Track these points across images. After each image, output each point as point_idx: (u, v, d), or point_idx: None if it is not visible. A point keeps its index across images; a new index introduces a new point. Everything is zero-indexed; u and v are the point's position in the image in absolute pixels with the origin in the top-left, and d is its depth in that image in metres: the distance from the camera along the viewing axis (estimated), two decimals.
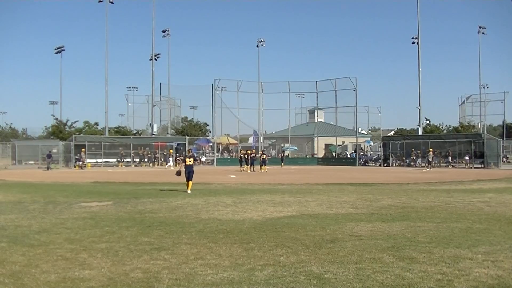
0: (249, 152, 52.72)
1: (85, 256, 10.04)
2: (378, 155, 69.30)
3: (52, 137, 72.66)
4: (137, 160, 63.65)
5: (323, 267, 8.88)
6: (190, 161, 25.48)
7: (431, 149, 55.15)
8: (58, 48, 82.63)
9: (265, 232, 12.70)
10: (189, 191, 24.44)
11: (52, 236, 12.40)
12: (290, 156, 73.75)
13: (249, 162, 50.25)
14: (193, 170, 25.48)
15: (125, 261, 9.50)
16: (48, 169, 52.32)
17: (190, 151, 28.89)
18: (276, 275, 8.41)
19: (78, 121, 76.02)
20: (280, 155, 69.20)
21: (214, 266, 9.05)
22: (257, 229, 13.21)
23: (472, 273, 8.44)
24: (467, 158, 56.87)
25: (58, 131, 70.88)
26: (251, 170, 49.21)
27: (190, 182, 25.00)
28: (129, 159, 62.63)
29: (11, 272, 8.76)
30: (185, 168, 25.38)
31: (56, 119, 75.32)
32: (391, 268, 8.76)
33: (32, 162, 54.35)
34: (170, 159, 61.56)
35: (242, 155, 52.61)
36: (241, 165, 51.03)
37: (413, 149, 60.65)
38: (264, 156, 51.90)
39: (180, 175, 25.78)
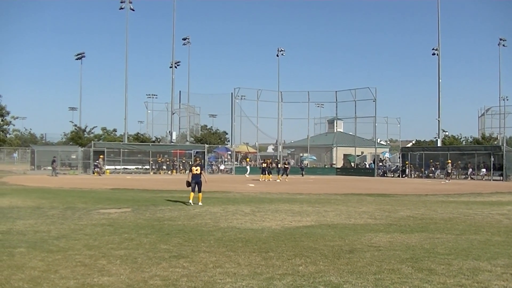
0: (268, 161, 52.80)
1: (104, 262, 10.08)
2: (397, 166, 69.00)
3: (71, 143, 73.06)
4: (155, 167, 63.77)
5: (342, 278, 8.86)
6: (197, 170, 22.79)
7: (449, 161, 54.71)
8: (78, 55, 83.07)
9: (283, 242, 12.69)
10: (200, 203, 22.26)
11: (71, 242, 12.47)
12: (308, 166, 73.53)
13: (267, 171, 50.21)
14: (201, 180, 22.82)
15: (144, 268, 9.53)
16: (53, 175, 52.33)
17: (198, 158, 25.78)
18: (295, 284, 8.41)
19: (96, 126, 76.52)
20: (299, 164, 69.04)
21: (233, 275, 9.06)
22: (275, 238, 13.21)
23: (491, 286, 8.39)
24: (484, 170, 56.47)
25: (77, 137, 71.24)
26: (268, 179, 49.18)
27: (200, 194, 22.69)
28: (147, 167, 62.75)
29: (30, 277, 8.82)
30: (192, 178, 22.70)
31: (75, 125, 75.74)
32: (410, 280, 8.72)
33: (51, 168, 54.52)
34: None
35: (265, 164, 52.36)
36: (263, 174, 50.64)
37: (431, 160, 60.34)
38: (286, 165, 52.19)
39: (189, 186, 22.81)
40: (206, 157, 65.88)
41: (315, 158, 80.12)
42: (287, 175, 51.57)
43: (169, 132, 73.55)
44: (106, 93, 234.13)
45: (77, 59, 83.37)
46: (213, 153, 72.40)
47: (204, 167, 64.37)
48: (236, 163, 70.84)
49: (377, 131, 71.96)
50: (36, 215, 18.07)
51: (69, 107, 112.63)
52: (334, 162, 77.62)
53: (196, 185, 22.63)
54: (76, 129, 73.94)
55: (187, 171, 25.26)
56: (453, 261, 10.35)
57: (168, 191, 31.14)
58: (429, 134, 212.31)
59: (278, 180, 49.07)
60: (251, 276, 8.95)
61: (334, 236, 13.68)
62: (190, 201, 22.33)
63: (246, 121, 73.23)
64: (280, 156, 72.18)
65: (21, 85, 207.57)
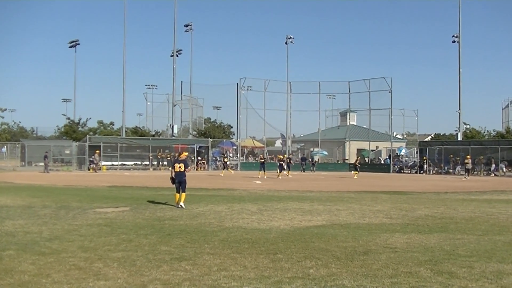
0: (280, 157, 52.93)
1: (100, 265, 10.08)
2: (414, 161, 68.88)
3: (64, 137, 72.99)
4: (155, 163, 63.80)
5: (356, 281, 8.84)
6: (180, 167, 21.51)
7: (468, 156, 54.11)
8: (72, 42, 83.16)
9: (293, 243, 12.68)
10: (181, 204, 20.88)
11: (65, 243, 12.46)
12: (319, 161, 73.49)
13: (280, 168, 50.22)
14: (185, 179, 21.51)
15: (143, 272, 9.52)
16: (45, 172, 52.37)
17: (183, 153, 23.36)
18: None
19: (90, 118, 76.19)
20: (310, 160, 68.98)
21: (238, 278, 9.05)
22: (284, 239, 13.20)
23: None
24: (503, 166, 56.33)
25: (71, 131, 71.05)
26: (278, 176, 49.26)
27: (183, 194, 21.24)
28: (147, 162, 62.75)
29: (20, 282, 8.79)
30: (175, 176, 21.58)
31: (68, 118, 75.57)
32: (429, 283, 8.69)
33: (43, 164, 54.57)
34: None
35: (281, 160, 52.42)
36: (280, 171, 50.48)
37: (451, 156, 60.19)
38: (289, 161, 52.44)
39: (174, 182, 21.76)
40: (210, 152, 65.90)
41: (326, 153, 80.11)
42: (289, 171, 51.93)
43: (170, 125, 73.66)
44: (102, 84, 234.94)
45: (70, 47, 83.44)
46: (218, 148, 72.44)
47: (208, 162, 64.83)
48: (242, 158, 70.83)
49: (393, 124, 71.91)
50: (26, 214, 18.07)
51: (63, 99, 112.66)
52: (347, 158, 77.54)
53: (180, 185, 21.38)
54: (69, 123, 73.76)
55: (170, 168, 23.59)
56: (475, 263, 10.31)
57: (171, 189, 31.12)
58: (449, 127, 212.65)
59: (290, 176, 49.34)
60: (258, 280, 8.93)
61: (347, 237, 13.67)
62: (181, 203, 20.94)
63: (252, 113, 73.18)
64: (288, 151, 72.01)
65: (10, 75, 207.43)
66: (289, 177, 48.49)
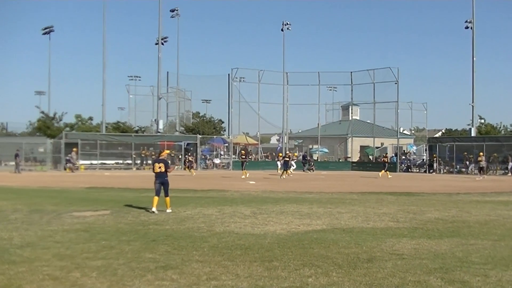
0: (288, 154, 53.23)
1: (77, 275, 10.06)
2: (423, 159, 69.00)
3: (38, 133, 72.72)
4: (139, 162, 63.76)
5: None
6: (160, 167, 20.81)
7: (481, 154, 53.80)
8: (46, 29, 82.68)
9: (290, 249, 12.69)
10: (168, 209, 20.39)
11: (38, 251, 12.41)
12: (319, 160, 73.53)
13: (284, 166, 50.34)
14: (168, 181, 20.92)
15: (126, 281, 9.52)
16: (16, 172, 52.30)
17: (164, 152, 23.01)
18: None
19: (67, 113, 75.99)
20: (308, 158, 69.04)
21: None
22: (280, 245, 13.21)
23: None
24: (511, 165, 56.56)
25: (46, 127, 70.74)
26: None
27: (167, 198, 20.67)
28: (129, 161, 62.69)
29: None
30: (155, 177, 21.06)
31: (42, 112, 75.30)
32: None
33: (13, 163, 54.39)
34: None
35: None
36: (285, 170, 50.38)
37: (465, 153, 60.18)
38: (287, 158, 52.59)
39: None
40: (199, 150, 65.88)
41: (327, 150, 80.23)
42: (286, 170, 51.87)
43: (155, 120, 73.67)
44: (80, 74, 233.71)
45: (44, 33, 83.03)
46: (207, 145, 72.45)
47: (197, 160, 64.77)
48: (234, 156, 70.87)
49: (399, 118, 72.30)
50: None
51: (36, 91, 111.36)
52: (349, 155, 77.67)
53: (162, 187, 20.77)
54: (43, 117, 73.48)
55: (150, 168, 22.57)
56: (490, 271, 10.33)
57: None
58: (461, 122, 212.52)
59: (286, 176, 49.55)
60: None
61: (350, 242, 13.69)
62: (154, 208, 20.24)
63: (245, 107, 73.35)
64: (285, 148, 72.04)
65: None
66: (288, 177, 48.60)
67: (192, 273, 10.20)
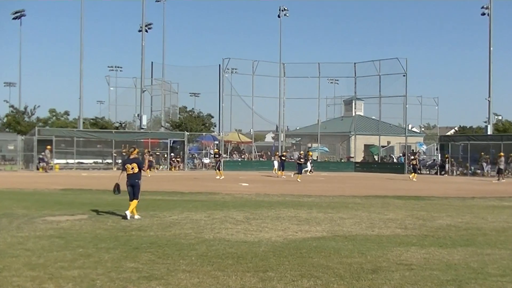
0: (301, 153, 53.57)
1: (51, 286, 10.07)
2: (434, 159, 69.07)
3: (7, 129, 72.59)
4: (120, 161, 63.60)
5: None
6: (132, 168, 20.47)
7: (502, 154, 53.34)
8: (16, 13, 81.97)
9: (286, 258, 12.71)
10: (136, 216, 19.95)
11: (7, 260, 12.37)
12: (319, 160, 73.60)
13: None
14: (139, 183, 20.60)
15: None
16: None
17: (135, 150, 22.29)
18: None
19: (39, 106, 75.92)
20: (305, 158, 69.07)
21: None
22: (276, 254, 13.23)
23: None
24: None
25: (15, 122, 70.59)
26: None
27: (135, 202, 20.21)
28: (109, 160, 62.58)
29: None
30: (127, 179, 20.62)
31: (12, 106, 75.17)
32: None
33: None
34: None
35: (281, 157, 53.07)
36: (299, 172, 50.37)
37: (482, 153, 60.16)
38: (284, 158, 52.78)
39: (119, 191, 20.89)
40: (186, 148, 65.83)
41: (327, 149, 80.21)
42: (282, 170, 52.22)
43: (138, 115, 73.49)
44: (55, 64, 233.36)
45: (14, 18, 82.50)
46: (196, 143, 72.40)
47: (184, 160, 64.74)
48: (225, 155, 70.74)
49: (408, 114, 72.06)
50: None
51: (5, 83, 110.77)
52: (352, 155, 77.69)
53: (132, 189, 20.41)
54: (13, 111, 73.36)
55: (120, 171, 21.83)
56: (508, 284, 10.36)
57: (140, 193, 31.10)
58: (476, 119, 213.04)
59: (284, 177, 49.78)
60: None
61: (352, 251, 13.71)
62: (136, 215, 20.03)
63: (238, 101, 73.36)
64: (281, 147, 72.09)
65: None
66: (282, 178, 48.79)
67: (178, 284, 10.21)
